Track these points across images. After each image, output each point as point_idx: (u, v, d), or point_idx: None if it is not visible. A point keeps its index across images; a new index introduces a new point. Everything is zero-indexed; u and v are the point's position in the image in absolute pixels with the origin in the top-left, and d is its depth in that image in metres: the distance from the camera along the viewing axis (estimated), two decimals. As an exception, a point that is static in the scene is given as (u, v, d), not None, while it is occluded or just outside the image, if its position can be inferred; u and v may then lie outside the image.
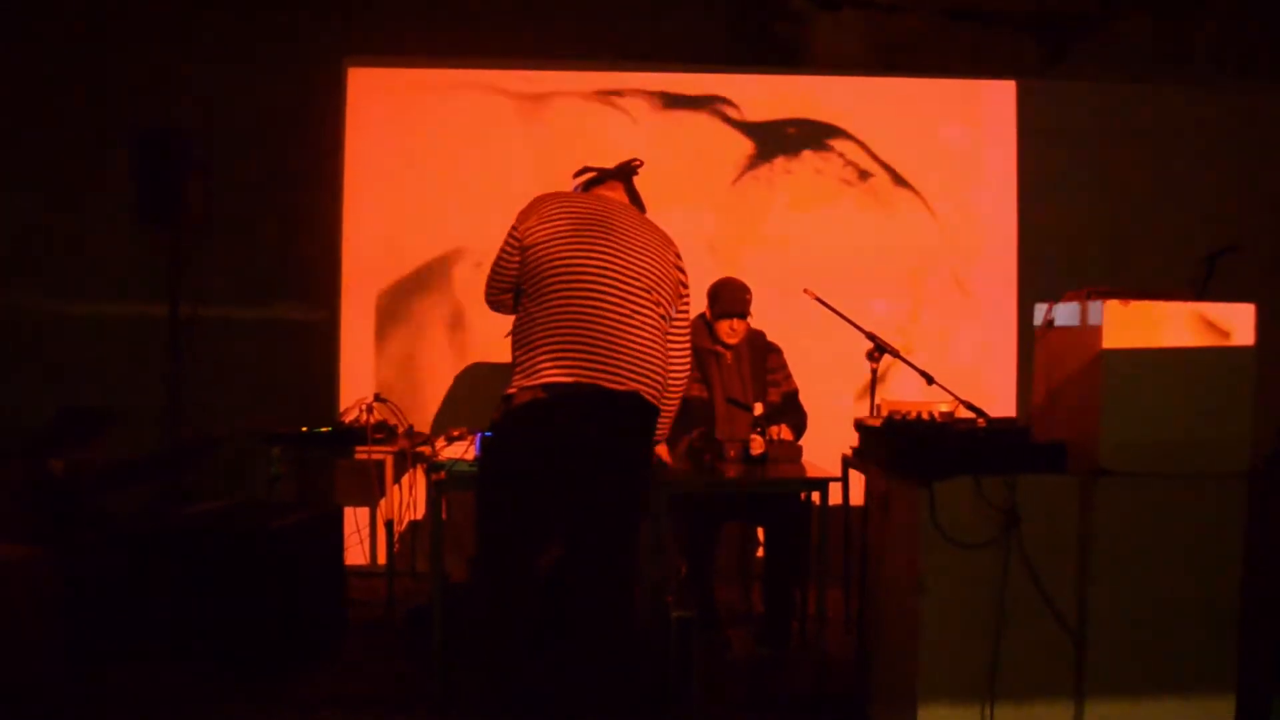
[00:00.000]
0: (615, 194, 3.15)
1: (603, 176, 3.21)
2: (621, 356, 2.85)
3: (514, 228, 3.00)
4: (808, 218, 5.32)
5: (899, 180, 5.38)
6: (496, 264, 3.04)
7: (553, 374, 2.79)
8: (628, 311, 2.88)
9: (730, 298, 4.16)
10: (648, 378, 2.91)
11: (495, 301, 3.11)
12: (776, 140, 5.33)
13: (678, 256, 3.08)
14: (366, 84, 5.25)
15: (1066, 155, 5.35)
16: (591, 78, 5.30)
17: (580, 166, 3.24)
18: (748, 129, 5.34)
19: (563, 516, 2.85)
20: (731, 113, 5.32)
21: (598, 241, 2.90)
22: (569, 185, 3.28)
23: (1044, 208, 5.35)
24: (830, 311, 3.89)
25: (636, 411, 2.90)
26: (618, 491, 2.87)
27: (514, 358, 2.91)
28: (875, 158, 5.37)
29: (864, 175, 5.36)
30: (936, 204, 5.37)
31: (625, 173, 3.20)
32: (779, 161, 5.31)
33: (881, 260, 5.35)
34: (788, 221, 5.32)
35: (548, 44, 5.21)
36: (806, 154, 5.32)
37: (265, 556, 3.51)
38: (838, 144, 5.34)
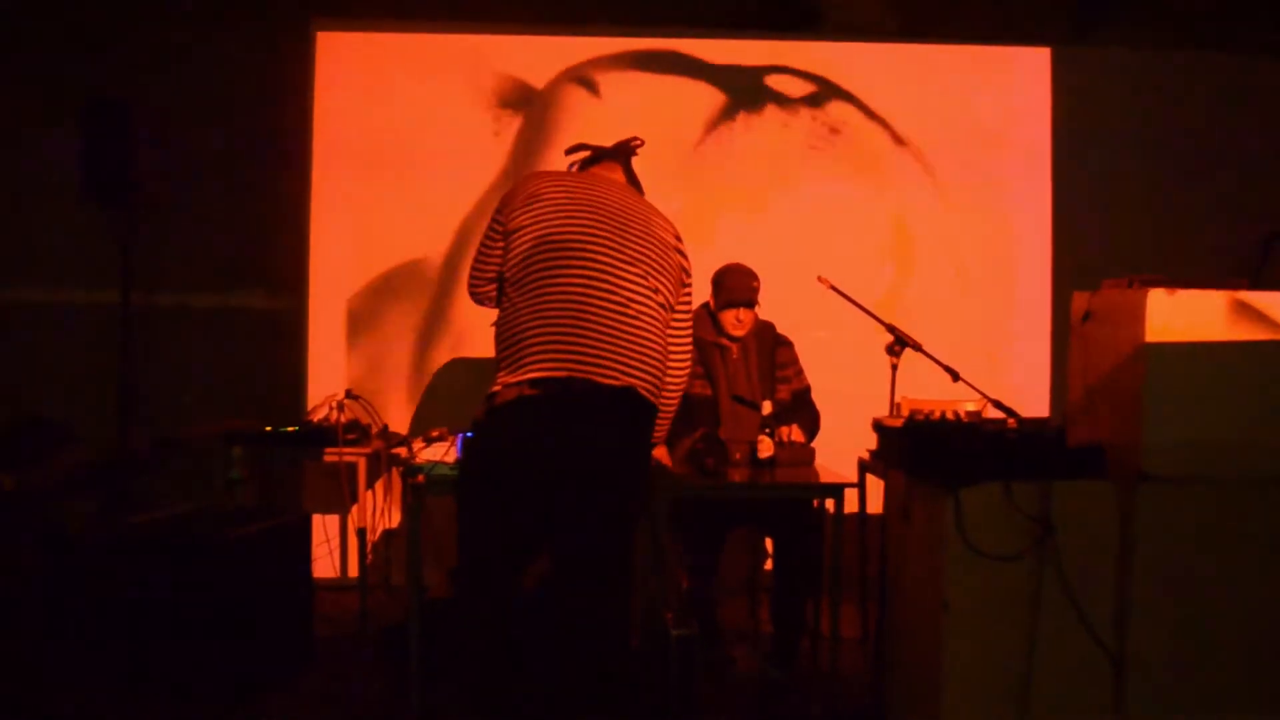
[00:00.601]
0: (612, 174, 3.15)
1: (599, 156, 3.20)
2: (617, 349, 2.84)
3: (498, 211, 3.01)
4: (820, 198, 5.34)
5: (920, 155, 5.40)
6: (479, 252, 3.05)
7: (540, 368, 2.79)
8: (623, 300, 2.88)
9: (736, 285, 4.16)
10: (646, 372, 2.90)
11: (479, 294, 3.12)
12: (796, 116, 5.35)
13: (679, 240, 3.08)
14: (337, 50, 5.25)
15: (1105, 128, 5.36)
16: (586, 44, 5.31)
17: (573, 144, 3.25)
18: (757, 97, 5.34)
19: (552, 525, 2.85)
20: (742, 81, 5.33)
21: (590, 224, 2.90)
22: (561, 164, 3.28)
23: (1080, 187, 5.36)
24: (846, 301, 3.90)
25: (633, 409, 2.89)
26: (613, 498, 2.87)
27: (498, 352, 2.91)
28: (893, 132, 5.39)
29: (883, 150, 5.37)
30: (963, 182, 5.39)
31: (623, 152, 3.20)
32: (795, 138, 5.34)
33: (900, 243, 5.37)
34: (798, 202, 5.34)
35: (539, 8, 5.22)
36: (821, 128, 5.34)
37: (223, 570, 3.50)
38: (854, 117, 5.36)
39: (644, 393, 2.89)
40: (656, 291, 2.95)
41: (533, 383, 2.80)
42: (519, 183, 3.05)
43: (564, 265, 2.87)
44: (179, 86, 5.00)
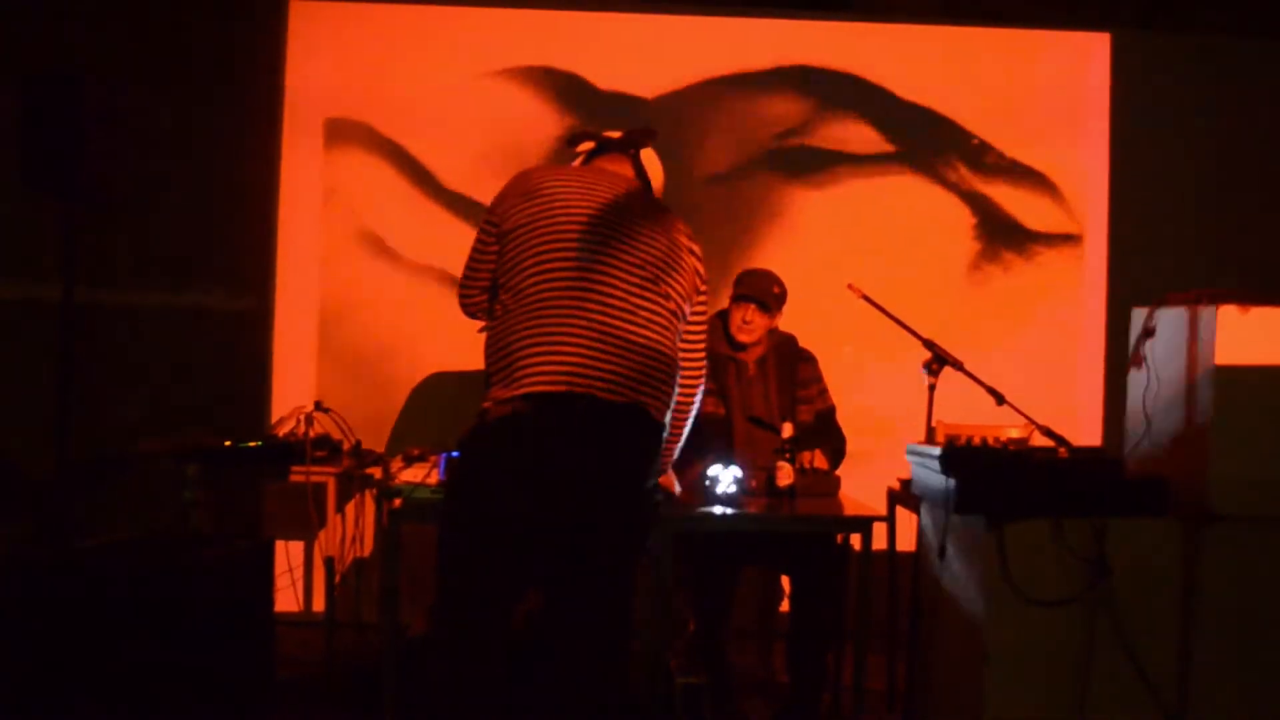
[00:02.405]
0: (620, 169, 3.17)
1: (604, 147, 3.21)
2: (621, 361, 2.83)
3: (490, 210, 3.02)
4: (848, 198, 5.39)
5: (963, 153, 5.43)
6: (471, 257, 3.06)
7: (535, 382, 2.78)
8: (630, 306, 2.88)
9: (752, 283, 4.18)
10: (654, 388, 2.90)
11: (470, 305, 3.13)
12: (826, 99, 5.39)
13: (693, 241, 3.09)
14: (313, 20, 5.28)
15: (1171, 124, 5.40)
16: (599, 21, 5.37)
17: (577, 131, 3.27)
18: (782, 82, 5.39)
19: (544, 558, 2.84)
20: (761, 61, 5.38)
21: (592, 222, 2.91)
22: (563, 157, 3.33)
23: (1142, 189, 5.39)
24: (878, 312, 3.88)
25: (640, 429, 2.89)
26: (615, 529, 2.86)
27: (488, 364, 2.91)
28: (937, 121, 5.44)
29: (925, 146, 5.43)
30: (1011, 181, 5.42)
31: (633, 144, 3.20)
32: (822, 129, 5.38)
33: (938, 249, 5.41)
34: (825, 204, 5.38)
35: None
36: (856, 117, 5.39)
37: (173, 603, 3.49)
38: (896, 107, 5.40)
39: (652, 410, 2.89)
40: (667, 298, 2.96)
41: (527, 398, 2.79)
42: (513, 179, 3.06)
43: (564, 268, 2.87)
44: (132, 59, 5.00)
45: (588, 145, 3.23)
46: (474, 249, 3.06)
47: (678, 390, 3.04)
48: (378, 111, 5.30)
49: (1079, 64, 5.44)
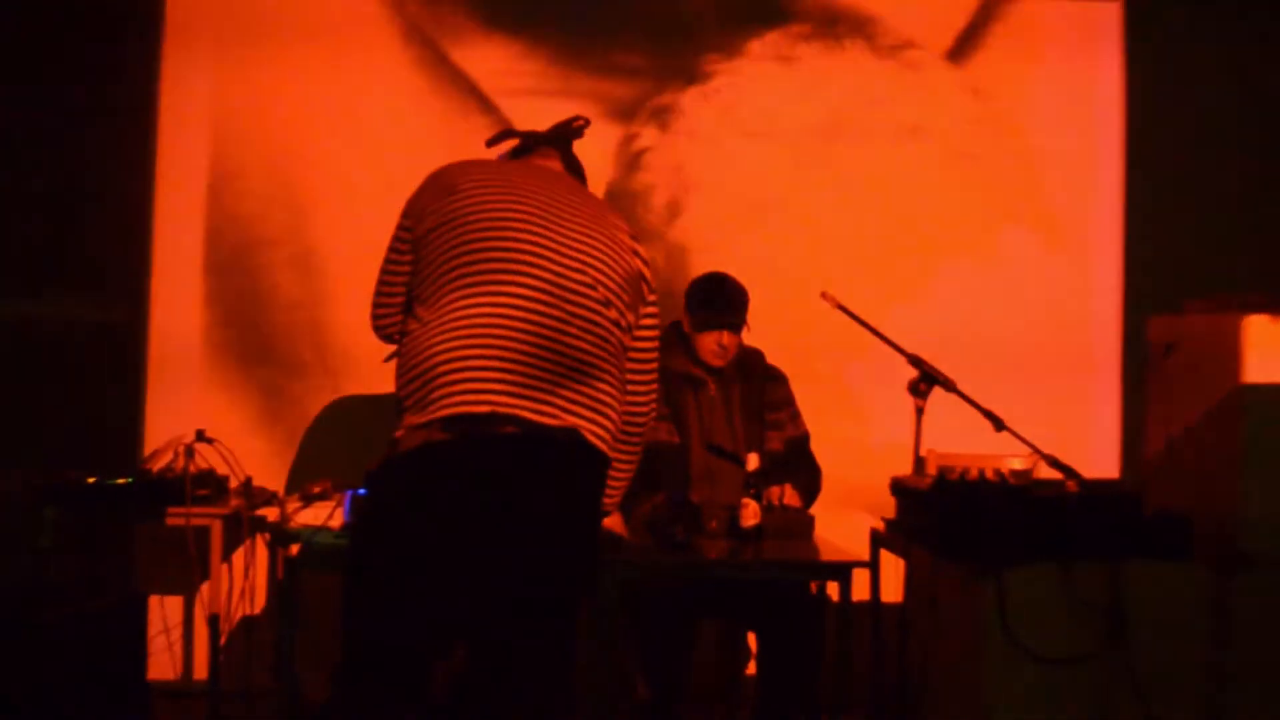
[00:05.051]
0: (549, 163, 3.22)
1: (530, 142, 3.24)
2: (556, 379, 2.84)
3: (404, 212, 3.04)
4: (813, 184, 5.39)
5: (949, 139, 5.46)
6: (384, 270, 3.07)
7: (453, 403, 2.77)
8: (564, 315, 2.88)
9: (722, 300, 4.17)
10: (594, 411, 2.90)
11: (387, 327, 3.12)
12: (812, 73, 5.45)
13: (634, 241, 3.11)
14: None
15: (1193, 102, 5.41)
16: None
17: (497, 133, 3.28)
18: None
19: (468, 613, 2.84)
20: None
21: (520, 221, 2.92)
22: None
23: (1159, 182, 5.41)
24: (856, 324, 3.88)
25: (579, 459, 2.89)
26: (549, 577, 2.86)
27: (400, 388, 2.89)
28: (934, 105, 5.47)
29: (919, 128, 5.45)
30: (1006, 169, 5.45)
31: (562, 136, 3.24)
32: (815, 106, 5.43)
33: (926, 251, 5.42)
34: (788, 189, 5.38)
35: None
36: (839, 90, 5.42)
37: (25, 668, 3.44)
38: (881, 82, 5.44)
39: (591, 437, 2.89)
40: (608, 305, 2.96)
41: (446, 422, 2.78)
42: (427, 179, 3.06)
43: (485, 273, 2.87)
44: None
45: (511, 143, 3.26)
46: (387, 259, 3.05)
47: (624, 416, 3.04)
48: (275, 87, 5.29)
49: (1088, 33, 5.50)
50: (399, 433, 2.84)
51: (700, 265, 4.87)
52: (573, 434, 2.85)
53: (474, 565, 2.80)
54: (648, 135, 5.36)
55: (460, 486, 2.79)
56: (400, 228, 3.02)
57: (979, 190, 5.45)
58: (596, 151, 4.79)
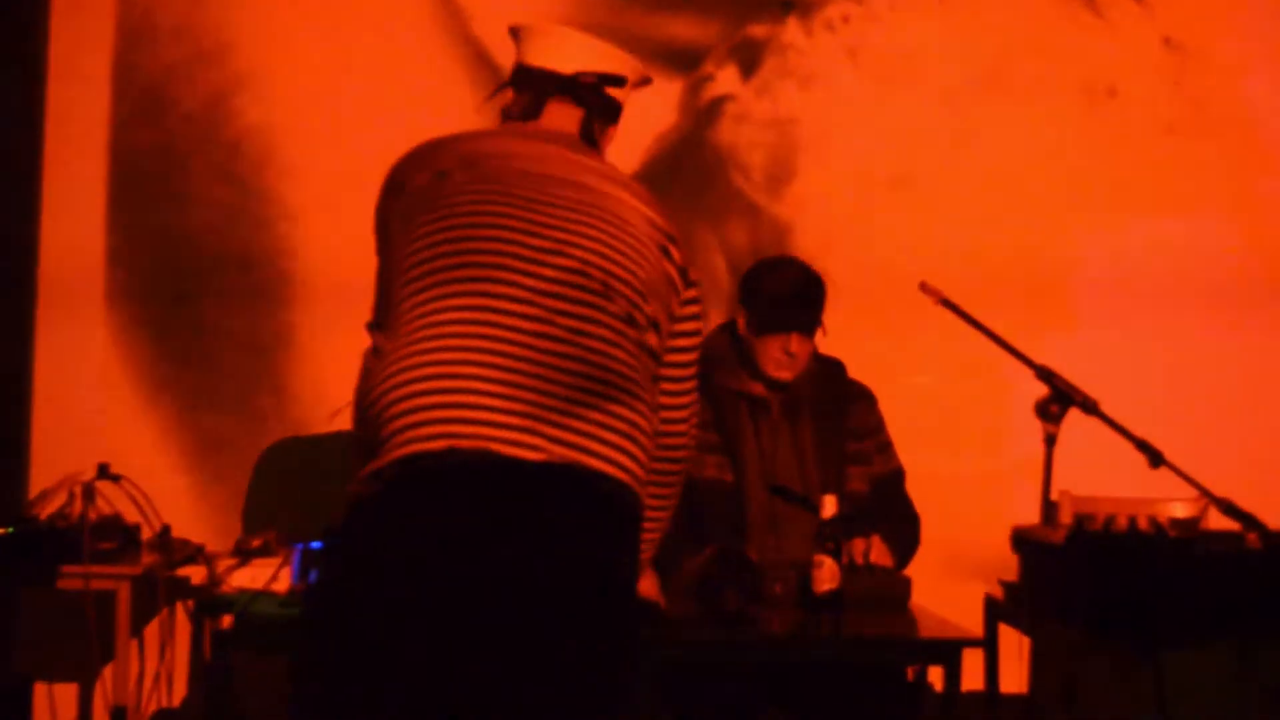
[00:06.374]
0: (564, 124, 3.10)
1: (542, 96, 3.10)
2: (564, 405, 2.66)
3: (380, 202, 2.98)
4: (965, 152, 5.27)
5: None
6: (378, 274, 2.99)
7: (406, 439, 2.61)
8: (572, 326, 2.70)
9: (786, 294, 4.00)
10: (616, 447, 2.70)
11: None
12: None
13: (666, 232, 2.94)
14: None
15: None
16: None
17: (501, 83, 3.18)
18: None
19: (456, 711, 2.62)
20: None
21: (515, 206, 2.82)
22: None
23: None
24: (968, 325, 3.70)
25: (598, 509, 2.67)
26: (565, 671, 2.63)
27: (361, 419, 2.77)
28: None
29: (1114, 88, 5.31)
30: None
31: (583, 87, 3.11)
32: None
33: (1051, 234, 5.25)
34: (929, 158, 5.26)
35: None
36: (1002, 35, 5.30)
37: None
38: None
39: (617, 477, 2.68)
40: (626, 315, 2.78)
41: (419, 461, 2.59)
42: (404, 158, 2.97)
43: (460, 274, 2.75)
44: None
45: (514, 96, 3.17)
46: (379, 263, 2.97)
47: (656, 450, 2.86)
48: (198, 32, 5.19)
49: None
50: (364, 474, 2.70)
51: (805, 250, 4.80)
52: (568, 472, 2.63)
53: (463, 656, 2.61)
54: (725, 79, 5.28)
55: (442, 546, 2.59)
56: (379, 217, 2.97)
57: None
58: (658, 101, 4.74)
